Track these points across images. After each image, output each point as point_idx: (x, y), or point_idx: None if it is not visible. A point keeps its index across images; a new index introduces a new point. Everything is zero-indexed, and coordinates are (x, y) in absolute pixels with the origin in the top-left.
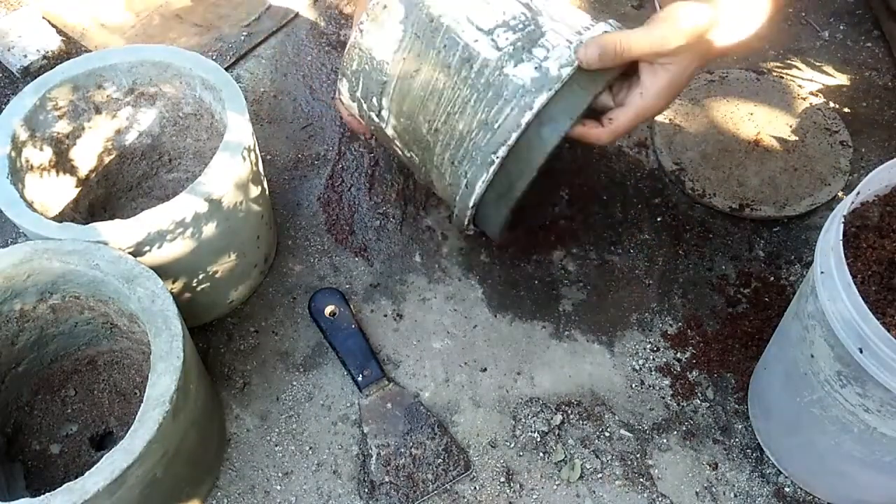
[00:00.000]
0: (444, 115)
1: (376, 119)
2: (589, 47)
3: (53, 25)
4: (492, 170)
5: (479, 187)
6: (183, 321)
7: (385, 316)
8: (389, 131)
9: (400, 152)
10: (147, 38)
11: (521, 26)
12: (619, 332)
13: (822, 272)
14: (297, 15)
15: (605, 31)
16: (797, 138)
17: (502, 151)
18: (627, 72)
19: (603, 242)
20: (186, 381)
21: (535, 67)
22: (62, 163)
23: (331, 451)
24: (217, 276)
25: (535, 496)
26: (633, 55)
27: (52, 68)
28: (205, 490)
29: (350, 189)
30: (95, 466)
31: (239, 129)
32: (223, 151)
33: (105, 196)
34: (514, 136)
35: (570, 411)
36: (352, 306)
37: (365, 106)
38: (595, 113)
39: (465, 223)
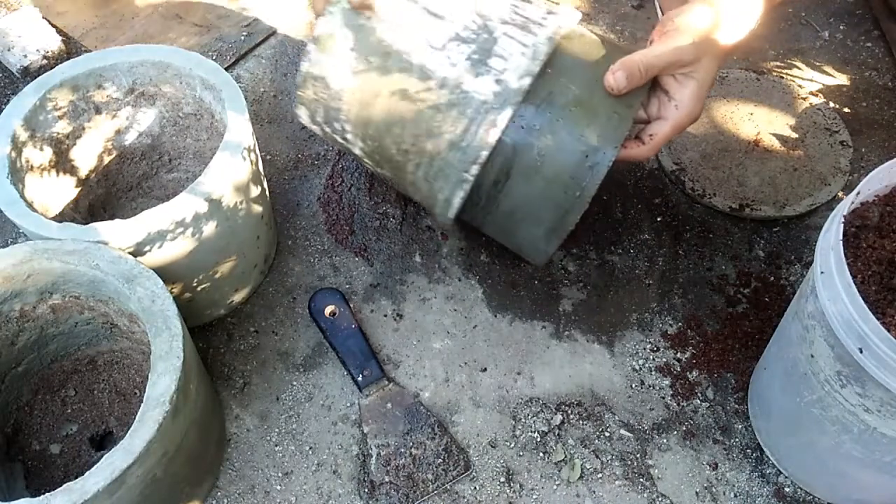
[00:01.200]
0: (412, 137)
1: (341, 141)
2: (616, 74)
3: (53, 25)
4: (467, 187)
5: (457, 202)
6: (183, 321)
7: (385, 316)
8: (357, 152)
9: (372, 168)
10: (147, 38)
11: (472, 37)
12: (619, 332)
13: (822, 272)
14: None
15: (558, 27)
16: (797, 138)
17: (475, 170)
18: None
19: (603, 242)
20: (186, 381)
21: (496, 80)
22: (62, 163)
23: (331, 451)
24: (217, 276)
25: (535, 496)
26: (656, 71)
27: (52, 68)
28: (205, 490)
29: (350, 189)
30: (95, 466)
31: (239, 129)
32: (223, 151)
33: (105, 196)
34: (485, 153)
35: (570, 411)
36: (352, 306)
37: (328, 130)
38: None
39: (450, 225)
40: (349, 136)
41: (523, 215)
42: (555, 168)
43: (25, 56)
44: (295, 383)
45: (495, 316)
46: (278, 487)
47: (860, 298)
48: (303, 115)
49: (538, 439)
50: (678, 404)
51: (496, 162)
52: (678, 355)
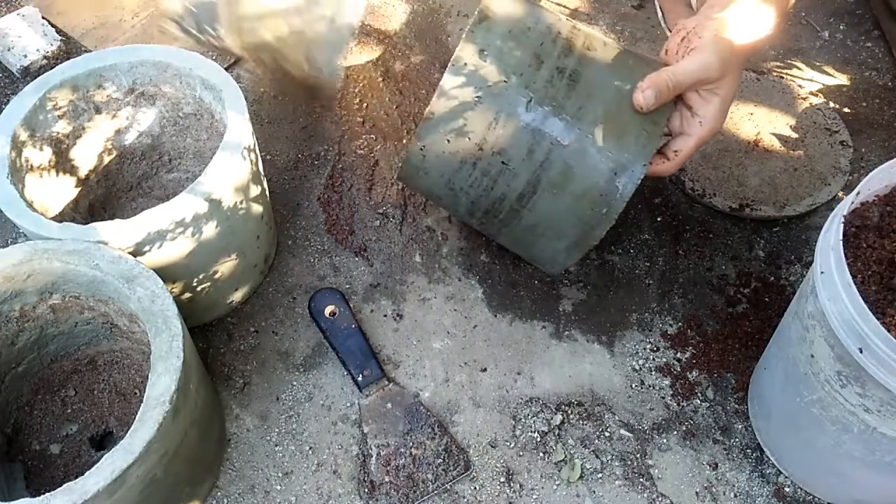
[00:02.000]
0: (282, 20)
1: (217, 44)
2: (645, 92)
3: (53, 25)
4: (344, 41)
5: (335, 60)
6: (183, 321)
7: (385, 316)
8: (238, 52)
9: (261, 66)
10: (147, 38)
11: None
12: (619, 332)
13: (822, 272)
14: None
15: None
16: (797, 138)
17: (345, 23)
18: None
19: (603, 242)
20: (186, 381)
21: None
22: (62, 163)
23: (331, 451)
24: (217, 276)
25: (535, 496)
26: (683, 88)
27: (52, 68)
28: (205, 490)
29: (350, 189)
30: (95, 466)
31: (239, 129)
32: (223, 151)
33: (105, 196)
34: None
35: (570, 411)
36: (352, 306)
37: (203, 38)
38: None
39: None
40: (223, 34)
41: (545, 229)
42: (583, 185)
43: (25, 56)
44: (295, 383)
45: (495, 316)
46: (278, 487)
47: (860, 298)
48: (172, 28)
49: (538, 439)
50: (678, 404)
51: (523, 177)
52: (678, 355)
